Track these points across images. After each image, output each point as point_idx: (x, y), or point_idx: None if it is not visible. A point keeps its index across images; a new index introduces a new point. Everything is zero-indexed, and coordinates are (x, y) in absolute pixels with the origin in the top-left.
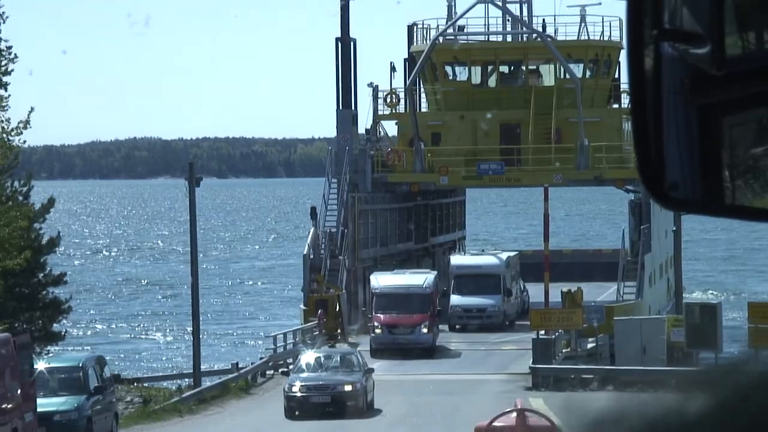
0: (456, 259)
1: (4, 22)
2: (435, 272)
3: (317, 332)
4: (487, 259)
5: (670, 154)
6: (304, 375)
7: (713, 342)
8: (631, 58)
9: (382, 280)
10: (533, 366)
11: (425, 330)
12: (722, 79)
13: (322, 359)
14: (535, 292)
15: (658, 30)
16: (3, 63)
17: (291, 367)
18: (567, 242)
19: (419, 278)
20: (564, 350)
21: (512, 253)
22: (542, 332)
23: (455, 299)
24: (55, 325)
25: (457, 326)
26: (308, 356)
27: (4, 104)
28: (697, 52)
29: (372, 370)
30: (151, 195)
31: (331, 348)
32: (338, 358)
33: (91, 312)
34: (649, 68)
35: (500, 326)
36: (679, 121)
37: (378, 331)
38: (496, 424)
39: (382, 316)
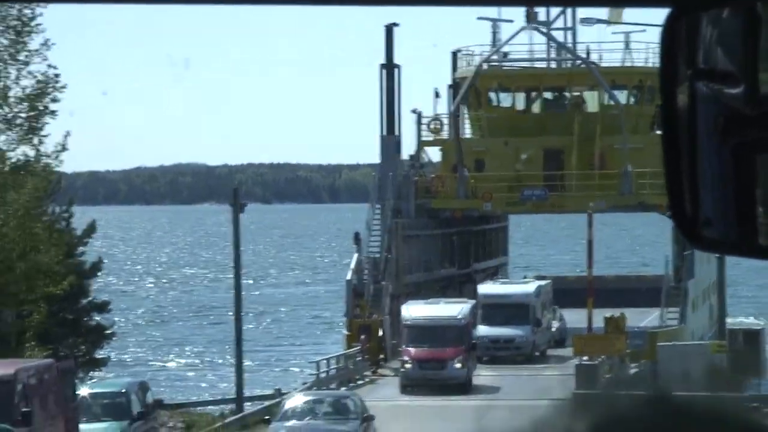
0: (484, 288)
1: (49, 49)
2: (472, 302)
3: (360, 357)
4: (516, 288)
5: (703, 194)
6: (290, 423)
7: (756, 368)
8: (664, 97)
9: (413, 311)
10: (577, 392)
11: (458, 365)
12: (756, 118)
13: (312, 404)
14: (578, 318)
15: (692, 69)
16: (50, 91)
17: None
18: (610, 268)
19: (453, 309)
20: (607, 376)
21: (543, 282)
22: (585, 358)
23: (482, 329)
24: (98, 350)
25: (485, 358)
26: (295, 400)
27: (43, 127)
28: (731, 91)
29: (372, 417)
30: (196, 220)
31: (325, 390)
32: (331, 403)
33: (135, 337)
34: (682, 107)
35: (529, 357)
36: (712, 160)
37: (408, 366)
38: None
39: (412, 349)
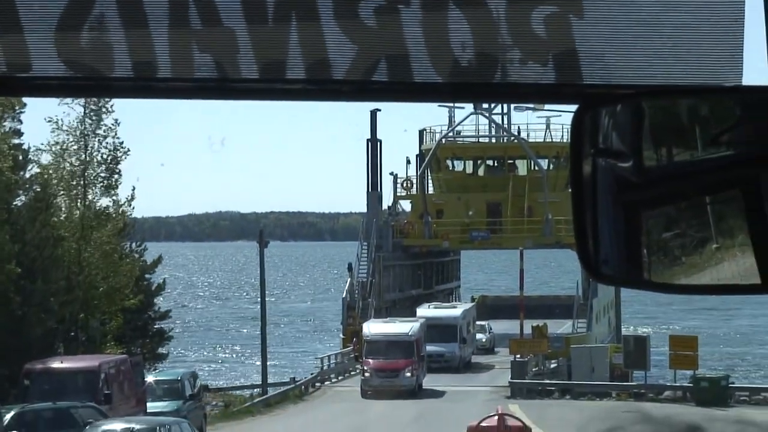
0: (421, 311)
1: (119, 126)
2: (422, 320)
3: (353, 355)
4: (446, 312)
5: (602, 240)
6: None
7: (643, 364)
8: (573, 168)
9: (372, 329)
10: (511, 380)
11: (409, 374)
12: (640, 183)
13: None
14: (512, 326)
15: (594, 148)
16: (119, 156)
17: None
18: (536, 289)
19: (406, 327)
20: (534, 369)
21: (468, 305)
22: (518, 356)
23: None
24: (160, 348)
25: None
26: (114, 425)
27: (119, 184)
28: (623, 165)
29: None
30: (231, 254)
31: (146, 416)
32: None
33: (188, 339)
34: (587, 175)
35: (456, 369)
36: (608, 214)
37: (367, 374)
38: (483, 424)
39: (371, 361)
